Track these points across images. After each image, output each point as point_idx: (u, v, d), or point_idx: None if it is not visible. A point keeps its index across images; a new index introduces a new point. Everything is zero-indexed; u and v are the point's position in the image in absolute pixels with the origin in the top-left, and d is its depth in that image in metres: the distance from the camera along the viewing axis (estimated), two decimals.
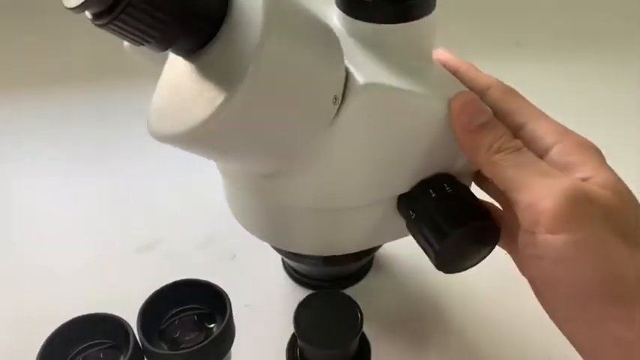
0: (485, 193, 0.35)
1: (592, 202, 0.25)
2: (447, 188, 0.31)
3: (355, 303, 0.32)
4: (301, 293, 0.45)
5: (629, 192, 0.27)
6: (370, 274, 0.47)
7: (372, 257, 0.48)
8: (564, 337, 0.28)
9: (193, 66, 0.25)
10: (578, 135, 0.29)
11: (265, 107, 0.25)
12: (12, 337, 0.42)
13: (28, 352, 0.31)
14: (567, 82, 0.71)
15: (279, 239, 0.37)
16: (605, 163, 0.28)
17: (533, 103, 0.31)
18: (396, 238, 0.36)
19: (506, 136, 0.29)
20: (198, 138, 0.25)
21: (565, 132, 0.29)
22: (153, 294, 0.33)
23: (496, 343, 0.42)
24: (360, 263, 0.46)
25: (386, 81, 0.28)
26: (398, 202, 0.33)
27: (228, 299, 0.33)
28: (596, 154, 0.28)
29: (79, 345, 0.32)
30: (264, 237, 0.37)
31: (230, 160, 0.31)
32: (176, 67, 0.27)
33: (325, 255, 0.39)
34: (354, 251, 0.36)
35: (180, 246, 0.50)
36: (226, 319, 0.32)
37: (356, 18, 0.30)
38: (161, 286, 0.34)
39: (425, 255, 0.31)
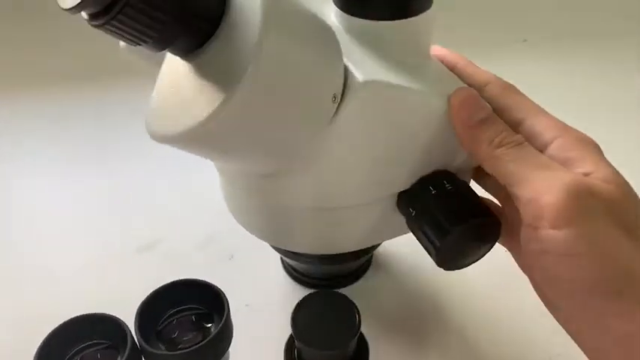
0: (484, 191, 0.35)
1: (594, 196, 0.25)
2: (447, 185, 0.31)
3: (353, 303, 0.32)
4: (300, 293, 0.45)
5: (630, 186, 0.27)
6: (369, 273, 0.47)
7: (372, 255, 0.48)
8: (565, 336, 0.27)
9: (191, 66, 0.25)
10: (577, 130, 0.29)
11: (264, 107, 0.24)
12: (11, 337, 0.42)
13: (26, 352, 0.30)
14: (573, 79, 0.71)
15: (279, 238, 0.37)
16: (605, 158, 0.28)
17: (539, 100, 0.31)
18: (396, 236, 0.36)
19: (507, 131, 0.29)
20: (198, 138, 0.24)
21: (564, 127, 0.29)
22: (151, 294, 0.33)
23: (496, 342, 0.42)
24: (359, 262, 0.46)
25: (385, 78, 0.28)
26: (397, 200, 0.33)
27: (226, 299, 0.32)
28: (595, 149, 0.28)
29: (77, 345, 0.31)
30: (263, 236, 0.37)
31: (229, 160, 0.31)
32: (174, 66, 0.26)
33: (325, 254, 0.39)
34: (353, 250, 0.36)
35: (179, 246, 0.50)
36: (224, 319, 0.32)
37: (353, 15, 0.30)
38: (159, 286, 0.33)
39: (424, 253, 0.31)
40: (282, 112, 0.26)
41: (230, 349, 0.33)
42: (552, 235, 0.25)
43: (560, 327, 0.28)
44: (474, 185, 0.35)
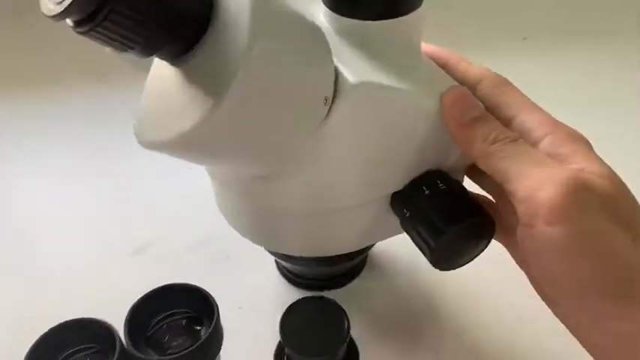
0: (479, 188, 0.35)
1: (590, 191, 0.25)
2: (441, 185, 0.31)
3: (342, 309, 0.32)
4: (294, 294, 0.45)
5: (623, 183, 0.27)
6: (364, 273, 0.47)
7: (366, 256, 0.47)
8: (560, 337, 0.27)
9: (179, 71, 0.24)
10: (568, 126, 0.29)
11: (255, 111, 0.24)
12: (10, 337, 0.42)
13: (17, 354, 0.31)
14: (572, 77, 0.70)
15: (272, 242, 0.36)
16: (596, 154, 0.27)
17: (538, 98, 0.30)
18: (390, 236, 0.35)
19: (501, 128, 0.28)
20: (187, 144, 0.24)
21: (555, 124, 0.29)
22: (140, 299, 0.33)
23: (492, 343, 0.41)
24: (354, 262, 0.45)
25: (376, 79, 0.28)
26: (391, 201, 0.32)
27: (216, 304, 0.32)
28: (586, 145, 0.28)
29: (66, 350, 0.31)
30: (256, 240, 0.36)
31: (219, 164, 0.31)
32: (162, 72, 0.26)
33: (318, 256, 0.38)
34: (347, 251, 0.35)
35: (175, 246, 0.50)
36: (213, 324, 0.31)
37: (343, 15, 0.30)
38: (150, 289, 0.33)
39: (419, 253, 0.31)
40: (272, 115, 0.25)
41: (221, 352, 0.33)
42: (548, 232, 0.24)
43: (557, 329, 0.28)
44: (468, 183, 0.34)
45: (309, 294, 0.44)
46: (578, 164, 0.26)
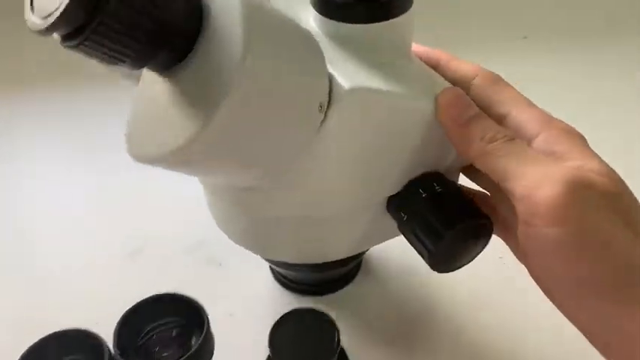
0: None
1: (590, 188, 0.24)
2: (437, 187, 0.30)
3: (332, 321, 0.32)
4: (288, 300, 0.45)
5: (622, 180, 0.26)
6: (359, 277, 0.46)
7: (361, 260, 0.47)
8: (562, 345, 0.27)
9: (170, 82, 0.24)
10: (562, 122, 0.28)
11: (249, 122, 0.24)
12: (8, 339, 0.42)
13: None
14: (574, 76, 0.69)
15: (267, 250, 0.36)
16: (592, 150, 0.27)
17: (539, 98, 0.30)
18: (385, 240, 0.35)
19: (497, 127, 0.28)
20: (183, 158, 0.24)
21: (549, 120, 0.28)
22: (130, 309, 0.32)
23: (490, 349, 0.41)
24: (349, 267, 0.45)
25: (371, 84, 0.27)
26: (388, 204, 0.32)
27: (206, 314, 0.32)
28: (582, 141, 0.27)
29: None
30: (251, 248, 0.36)
31: (214, 176, 0.30)
32: (151, 82, 0.25)
33: (315, 263, 0.38)
34: (343, 257, 0.35)
35: (167, 251, 0.49)
36: (203, 334, 0.31)
37: (334, 19, 0.29)
38: (139, 296, 0.33)
39: (414, 255, 0.31)
40: (268, 125, 0.25)
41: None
42: (547, 233, 0.24)
43: (558, 335, 0.27)
44: (462, 178, 0.34)
45: (303, 299, 0.44)
46: (575, 161, 0.26)
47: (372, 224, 0.33)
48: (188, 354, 0.30)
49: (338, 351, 0.31)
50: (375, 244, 0.37)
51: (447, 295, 0.45)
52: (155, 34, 0.21)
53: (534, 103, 0.30)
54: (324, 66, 0.26)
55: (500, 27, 0.78)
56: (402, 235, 0.32)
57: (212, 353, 0.33)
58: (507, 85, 0.31)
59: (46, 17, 0.20)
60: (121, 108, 0.26)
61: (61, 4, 0.19)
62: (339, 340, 0.31)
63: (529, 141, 0.28)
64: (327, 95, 0.26)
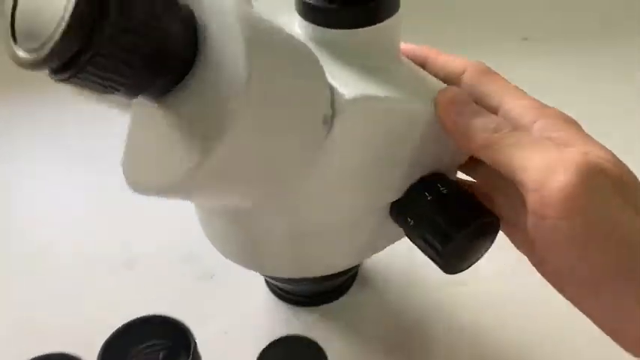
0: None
1: (602, 174, 0.24)
2: (442, 188, 0.30)
3: (321, 348, 0.31)
4: (284, 314, 0.44)
5: (626, 165, 0.26)
6: (355, 287, 0.46)
7: (357, 269, 0.46)
8: (558, 349, 0.26)
9: (166, 109, 0.23)
10: (555, 109, 0.28)
11: (255, 147, 0.23)
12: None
13: None
14: (575, 79, 0.68)
15: (265, 266, 0.35)
16: (591, 136, 0.27)
17: (542, 100, 0.29)
18: (387, 247, 0.35)
19: (499, 119, 0.28)
20: (184, 189, 0.23)
21: (542, 107, 0.28)
22: (115, 332, 0.32)
23: (490, 358, 0.41)
24: (345, 277, 0.45)
25: (371, 92, 0.27)
26: (391, 210, 0.32)
27: (193, 337, 0.32)
28: (579, 127, 0.27)
29: None
30: (248, 265, 0.35)
31: (213, 201, 0.29)
32: (145, 109, 0.24)
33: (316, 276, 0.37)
34: (347, 268, 0.35)
35: (159, 263, 0.48)
36: (190, 358, 0.31)
37: (320, 25, 0.29)
38: (128, 312, 0.33)
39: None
40: (273, 147, 0.24)
41: None
42: (562, 224, 0.24)
43: (557, 341, 0.27)
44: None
45: (299, 310, 0.44)
46: (579, 147, 0.26)
47: (374, 231, 0.33)
48: None
49: None
50: (378, 251, 0.36)
51: (445, 304, 0.44)
52: (152, 59, 0.20)
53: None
54: (325, 77, 0.26)
55: (499, 29, 0.76)
56: (409, 240, 0.32)
57: None
58: (497, 75, 0.30)
59: (34, 50, 0.18)
60: (121, 109, 0.26)
61: (53, 33, 0.18)
62: None
63: (526, 130, 0.28)
64: (330, 107, 0.26)
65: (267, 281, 0.46)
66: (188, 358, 0.31)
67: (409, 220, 0.30)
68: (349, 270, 0.42)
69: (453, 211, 0.29)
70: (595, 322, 0.27)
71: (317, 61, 0.25)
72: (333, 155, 0.27)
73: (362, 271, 0.47)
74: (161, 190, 0.23)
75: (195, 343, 0.31)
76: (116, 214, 0.53)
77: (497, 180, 0.31)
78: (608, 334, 0.26)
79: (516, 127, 0.28)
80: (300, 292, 0.45)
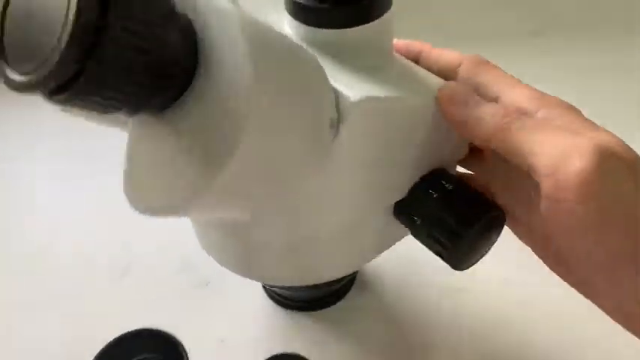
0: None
1: (617, 159, 0.24)
2: (446, 185, 0.30)
3: None
4: (282, 319, 0.43)
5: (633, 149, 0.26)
6: (353, 291, 0.45)
7: (355, 273, 0.46)
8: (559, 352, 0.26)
9: (167, 124, 0.22)
10: (556, 97, 0.28)
11: (266, 155, 0.22)
12: None
13: None
14: (589, 75, 0.66)
15: (265, 276, 0.34)
16: (595, 123, 0.27)
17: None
18: (390, 247, 0.34)
19: (504, 105, 0.28)
20: (194, 206, 0.22)
21: (543, 96, 0.28)
22: (107, 346, 0.31)
23: None
24: (344, 281, 0.44)
25: (376, 93, 0.26)
26: (395, 210, 0.31)
27: (185, 352, 0.31)
28: (581, 114, 0.27)
29: None
30: (248, 275, 0.34)
31: (218, 215, 0.28)
32: (144, 126, 0.23)
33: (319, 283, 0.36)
34: (352, 272, 0.35)
35: (154, 270, 0.47)
36: None
37: (314, 25, 0.28)
38: (123, 321, 0.32)
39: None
40: (282, 155, 0.23)
41: None
42: (579, 208, 0.23)
43: (557, 344, 0.28)
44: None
45: (297, 315, 0.43)
46: (587, 133, 0.25)
47: (379, 233, 0.32)
48: None
49: None
50: (382, 252, 0.36)
51: (445, 309, 0.44)
52: (154, 72, 0.19)
53: None
54: (328, 81, 0.25)
55: (509, 23, 0.74)
56: (408, 242, 0.31)
57: None
58: (493, 66, 0.30)
59: (28, 72, 0.17)
60: (122, 127, 0.26)
61: (52, 52, 0.16)
62: None
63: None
64: (336, 111, 0.25)
65: (264, 287, 0.46)
66: None
67: (415, 219, 0.30)
68: (348, 274, 0.40)
69: (460, 207, 0.29)
70: (606, 308, 0.27)
71: (319, 65, 0.25)
72: (340, 159, 0.26)
73: (360, 276, 0.47)
74: (169, 210, 0.22)
75: (187, 356, 0.30)
76: (115, 215, 0.52)
77: (497, 171, 0.31)
78: (620, 320, 0.26)
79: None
80: (298, 298, 0.44)
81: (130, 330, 0.32)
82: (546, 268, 0.30)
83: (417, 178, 0.31)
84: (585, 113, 0.28)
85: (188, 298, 0.44)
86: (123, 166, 0.24)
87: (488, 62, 0.31)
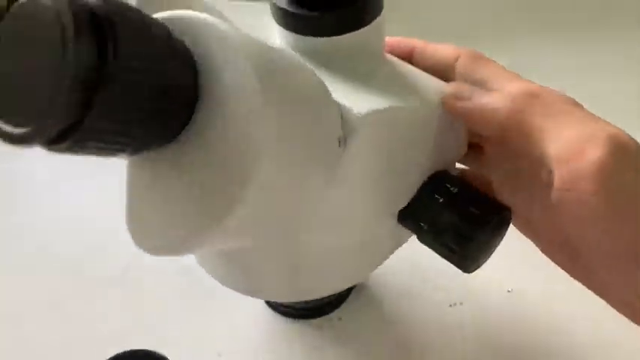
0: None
1: (629, 149, 0.24)
2: (451, 188, 0.29)
3: None
4: (281, 329, 0.42)
5: None
6: (352, 297, 0.44)
7: None
8: None
9: (169, 159, 0.21)
10: (556, 90, 0.28)
11: (278, 182, 0.21)
12: None
13: None
14: (605, 71, 0.63)
15: (264, 295, 0.34)
16: (595, 115, 0.27)
17: (571, 93, 0.29)
18: (394, 252, 0.34)
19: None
20: (207, 241, 0.21)
21: (543, 90, 0.28)
22: None
23: None
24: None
25: (380, 104, 0.26)
26: (399, 217, 0.31)
27: None
28: (583, 108, 0.27)
29: None
30: (246, 293, 0.33)
31: (225, 247, 0.27)
32: (144, 161, 0.22)
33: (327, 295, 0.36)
34: (361, 281, 0.35)
35: (151, 278, 0.46)
36: None
37: (306, 34, 0.27)
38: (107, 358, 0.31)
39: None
40: (293, 180, 0.22)
41: None
42: (593, 198, 0.23)
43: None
44: None
45: (296, 323, 0.42)
46: (595, 124, 0.25)
47: (384, 241, 0.32)
48: None
49: None
50: (387, 259, 0.35)
51: (448, 315, 0.43)
52: (158, 110, 0.18)
53: None
54: (331, 96, 0.24)
55: (520, 15, 0.71)
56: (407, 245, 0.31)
57: None
58: (491, 61, 0.30)
59: (26, 123, 0.16)
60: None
61: (50, 100, 0.15)
62: None
63: None
64: (341, 127, 0.24)
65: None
66: None
67: (422, 224, 0.30)
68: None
69: (468, 211, 0.28)
70: (610, 298, 0.27)
71: (321, 81, 0.24)
72: (346, 174, 0.26)
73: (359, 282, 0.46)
74: (179, 250, 0.21)
75: None
76: (115, 215, 0.52)
77: (494, 164, 0.31)
78: (628, 313, 0.26)
79: None
80: (298, 306, 0.44)
81: (124, 349, 0.32)
82: (551, 275, 0.29)
83: (421, 182, 0.30)
84: (598, 109, 0.27)
85: (188, 298, 0.44)
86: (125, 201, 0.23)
87: (485, 57, 0.30)
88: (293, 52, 0.26)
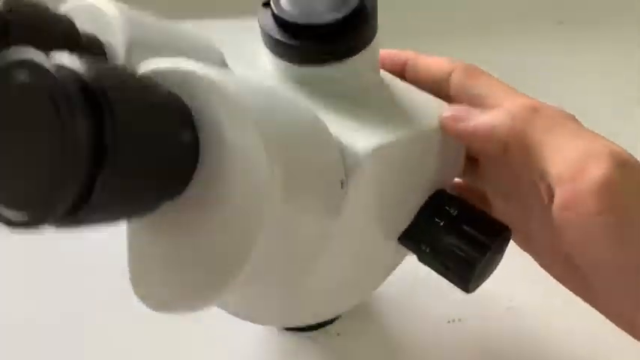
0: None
1: (630, 167, 0.24)
2: (451, 210, 0.29)
3: None
4: (280, 342, 0.42)
5: None
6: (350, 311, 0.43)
7: None
8: None
9: (166, 216, 0.20)
10: (555, 106, 0.27)
11: (281, 244, 0.21)
12: None
13: None
14: (617, 67, 0.60)
15: (262, 322, 0.34)
16: (593, 131, 0.26)
17: (576, 94, 0.28)
18: (395, 269, 0.34)
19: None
20: (211, 303, 0.20)
21: (541, 106, 0.27)
22: None
23: None
24: None
25: (380, 140, 0.25)
26: (400, 240, 0.30)
27: None
28: (581, 124, 0.27)
29: None
30: (243, 319, 0.33)
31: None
32: (145, 221, 0.21)
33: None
34: (359, 303, 0.34)
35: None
36: None
37: (301, 64, 0.27)
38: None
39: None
40: (296, 235, 0.22)
41: None
42: (597, 217, 0.23)
43: None
44: None
45: (295, 336, 0.42)
46: (596, 141, 0.25)
47: (387, 261, 0.32)
48: None
49: None
50: (390, 274, 0.35)
51: (444, 329, 0.42)
52: (162, 176, 0.18)
53: (566, 95, 0.29)
54: (334, 141, 0.24)
55: (533, 11, 0.69)
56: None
57: None
58: (486, 74, 0.30)
59: (21, 210, 0.15)
60: None
61: (50, 183, 0.15)
62: None
63: None
64: (344, 169, 0.24)
65: None
66: None
67: (423, 247, 0.29)
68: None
69: (469, 234, 0.28)
70: (610, 312, 0.27)
71: (325, 126, 0.23)
72: (348, 210, 0.25)
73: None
74: (190, 308, 0.20)
75: None
76: (94, 244, 0.51)
77: (489, 179, 0.31)
78: (624, 324, 0.26)
79: None
80: None
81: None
82: (550, 289, 0.29)
83: (422, 203, 0.30)
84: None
85: (185, 322, 0.41)
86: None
87: (479, 70, 0.30)
88: (290, 96, 0.25)
